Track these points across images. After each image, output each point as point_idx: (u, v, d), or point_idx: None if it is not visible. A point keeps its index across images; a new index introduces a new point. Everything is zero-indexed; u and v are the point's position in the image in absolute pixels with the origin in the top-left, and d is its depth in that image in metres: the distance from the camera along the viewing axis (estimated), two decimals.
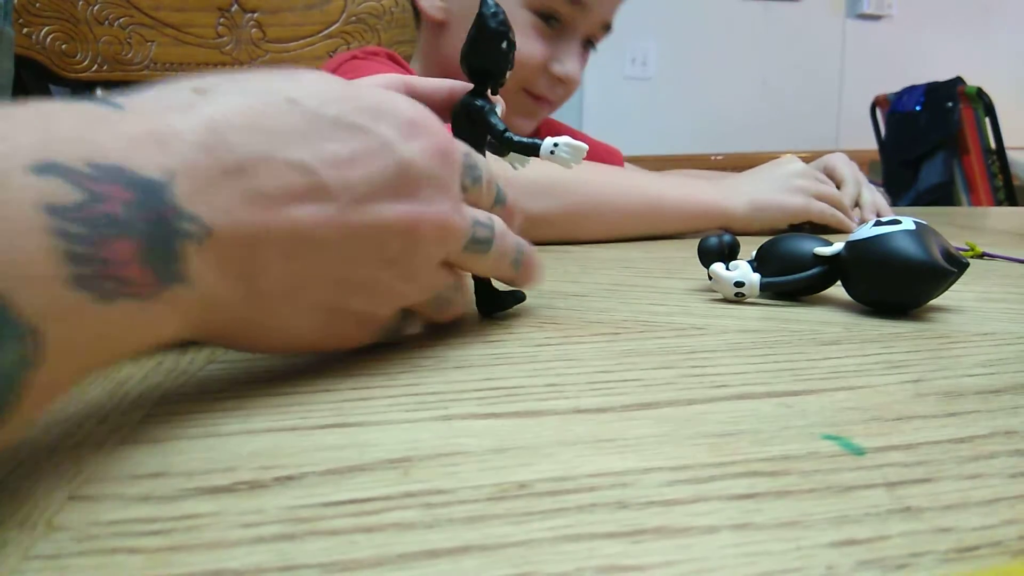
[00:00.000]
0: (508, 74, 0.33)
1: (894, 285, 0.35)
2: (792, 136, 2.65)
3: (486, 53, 0.32)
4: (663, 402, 0.24)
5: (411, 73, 0.68)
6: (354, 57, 0.68)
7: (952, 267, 0.34)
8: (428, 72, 0.72)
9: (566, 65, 0.68)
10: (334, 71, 0.66)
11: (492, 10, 0.31)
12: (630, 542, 0.16)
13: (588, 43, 0.72)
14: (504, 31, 0.32)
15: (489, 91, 0.34)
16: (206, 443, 0.20)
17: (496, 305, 0.34)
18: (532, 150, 0.33)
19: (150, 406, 0.23)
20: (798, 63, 2.72)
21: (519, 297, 0.35)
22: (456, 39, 0.69)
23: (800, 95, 2.72)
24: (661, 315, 0.35)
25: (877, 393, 0.25)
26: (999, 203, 2.10)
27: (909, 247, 0.34)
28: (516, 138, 0.33)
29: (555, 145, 0.32)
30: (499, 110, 0.34)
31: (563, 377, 0.26)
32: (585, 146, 0.32)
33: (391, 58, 0.68)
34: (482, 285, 0.34)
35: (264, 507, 0.17)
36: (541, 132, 0.78)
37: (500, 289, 0.35)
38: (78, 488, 0.18)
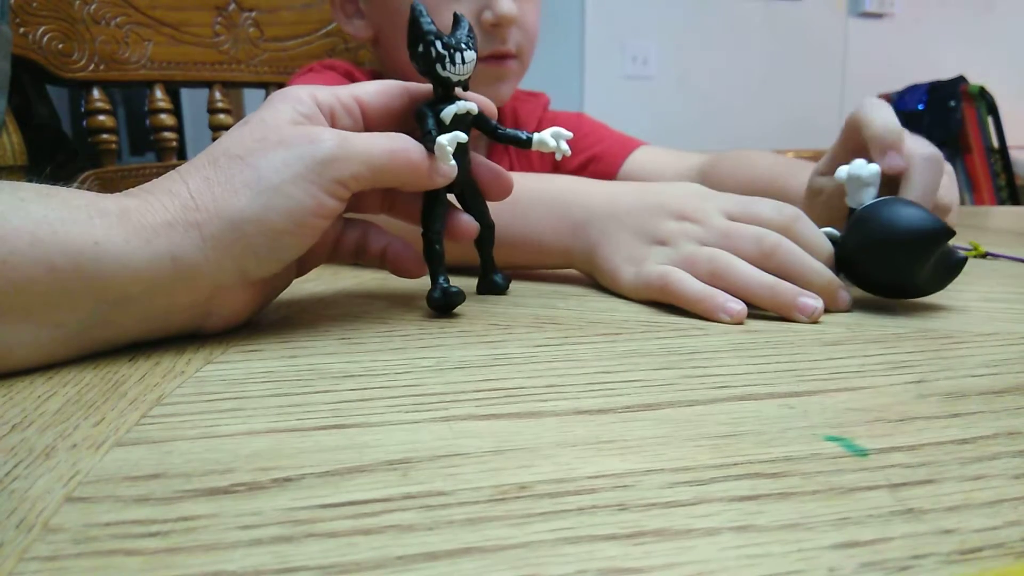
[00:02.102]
0: (452, 72, 0.33)
1: (900, 253, 0.33)
2: (794, 135, 2.64)
3: (412, 58, 0.33)
4: (664, 403, 0.24)
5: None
6: (310, 70, 0.68)
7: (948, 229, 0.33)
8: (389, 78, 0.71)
9: (497, 8, 0.60)
10: (298, 82, 0.65)
11: (412, 15, 0.32)
12: (631, 544, 0.16)
13: None
14: (418, 34, 0.32)
15: (459, 90, 0.34)
16: (204, 444, 0.20)
17: (445, 303, 0.34)
18: (430, 147, 0.33)
19: (148, 407, 0.23)
20: (800, 62, 2.71)
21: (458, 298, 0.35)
22: (390, 46, 0.68)
23: (802, 94, 2.72)
24: (662, 315, 0.35)
25: (880, 394, 0.25)
26: (1002, 202, 2.10)
27: (911, 209, 0.33)
28: (427, 139, 0.33)
29: (435, 146, 0.32)
30: (453, 108, 0.33)
31: (563, 378, 0.26)
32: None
33: (347, 74, 0.67)
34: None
35: (262, 509, 0.17)
36: (542, 125, 0.77)
37: (449, 287, 0.34)
38: (75, 489, 0.18)
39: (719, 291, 0.34)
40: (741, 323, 0.34)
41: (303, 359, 0.28)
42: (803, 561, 0.15)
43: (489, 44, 0.63)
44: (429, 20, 0.33)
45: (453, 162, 0.33)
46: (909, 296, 0.37)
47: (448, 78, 0.33)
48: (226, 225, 0.28)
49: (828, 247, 0.36)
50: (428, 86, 0.34)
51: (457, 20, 0.34)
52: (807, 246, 0.36)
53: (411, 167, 0.31)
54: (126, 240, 0.26)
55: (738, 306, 0.34)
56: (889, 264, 0.34)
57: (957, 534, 0.16)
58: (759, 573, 0.15)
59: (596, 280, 0.41)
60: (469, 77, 0.34)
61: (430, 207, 0.35)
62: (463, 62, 0.33)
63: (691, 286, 0.35)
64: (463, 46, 0.33)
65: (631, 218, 0.39)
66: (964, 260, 0.35)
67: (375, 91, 0.34)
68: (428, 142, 0.33)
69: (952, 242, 0.56)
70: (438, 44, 0.32)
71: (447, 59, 0.32)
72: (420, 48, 0.33)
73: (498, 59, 0.64)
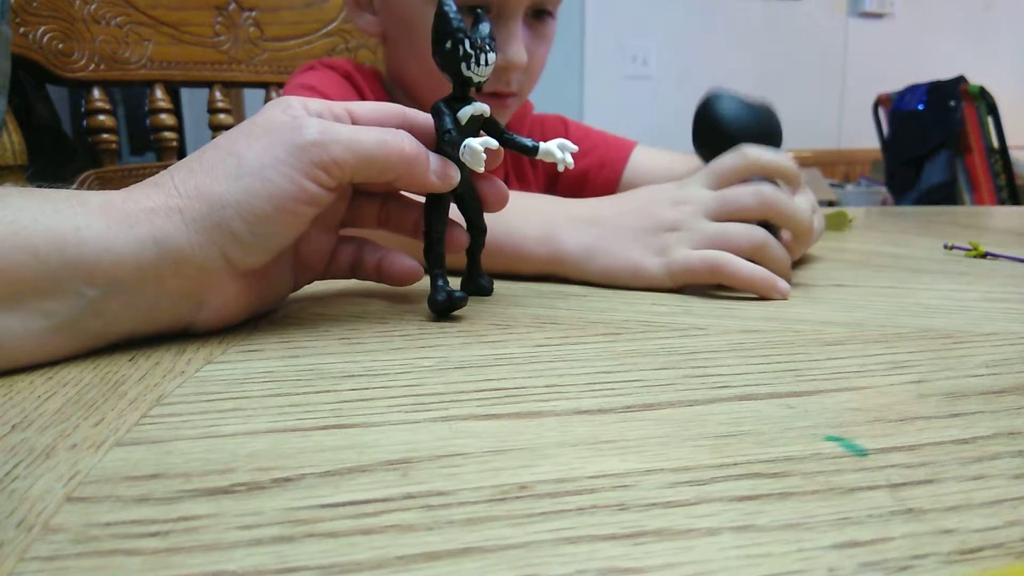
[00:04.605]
0: (475, 73, 0.33)
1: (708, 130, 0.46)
2: (794, 135, 2.65)
3: (437, 53, 0.33)
4: (664, 403, 0.24)
5: (363, 86, 0.67)
6: (311, 68, 0.67)
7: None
8: (391, 80, 0.70)
9: (508, 54, 0.59)
10: (297, 79, 0.65)
11: (440, 10, 0.32)
12: (631, 544, 0.16)
13: (540, 13, 0.63)
14: (448, 31, 0.32)
15: (472, 91, 0.34)
16: (204, 444, 0.20)
17: (447, 306, 0.34)
18: (455, 150, 0.33)
19: (148, 407, 0.23)
20: (800, 62, 2.72)
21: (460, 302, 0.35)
22: (396, 49, 0.68)
23: (802, 94, 2.72)
24: (662, 315, 0.35)
25: (880, 394, 0.25)
26: (1002, 202, 2.10)
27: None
28: (447, 137, 0.33)
29: (464, 147, 0.32)
30: (470, 109, 0.33)
31: (563, 378, 0.26)
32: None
33: (347, 75, 0.66)
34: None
35: (263, 509, 0.17)
36: (536, 133, 0.77)
37: (451, 289, 0.34)
38: (75, 489, 0.18)
39: (769, 271, 0.39)
40: (786, 298, 0.38)
41: (303, 359, 0.28)
42: (803, 561, 0.15)
43: (492, 83, 0.62)
44: (459, 17, 0.32)
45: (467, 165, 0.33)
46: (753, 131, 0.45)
47: (470, 78, 0.33)
48: (207, 209, 0.28)
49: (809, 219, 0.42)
50: (426, 115, 0.34)
51: (478, 18, 0.33)
52: (790, 222, 0.41)
53: (404, 159, 0.31)
54: (108, 226, 0.26)
55: (785, 286, 0.39)
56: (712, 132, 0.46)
57: (957, 534, 0.16)
58: (759, 573, 0.15)
59: (593, 280, 0.41)
60: (487, 79, 0.34)
61: (434, 207, 0.35)
62: (486, 64, 0.33)
63: (745, 266, 0.39)
64: (488, 47, 0.33)
65: (625, 219, 0.41)
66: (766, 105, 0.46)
67: (371, 110, 0.33)
68: (450, 141, 0.32)
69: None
70: (467, 43, 0.32)
71: (473, 59, 0.32)
72: (448, 45, 0.32)
73: (492, 95, 0.64)
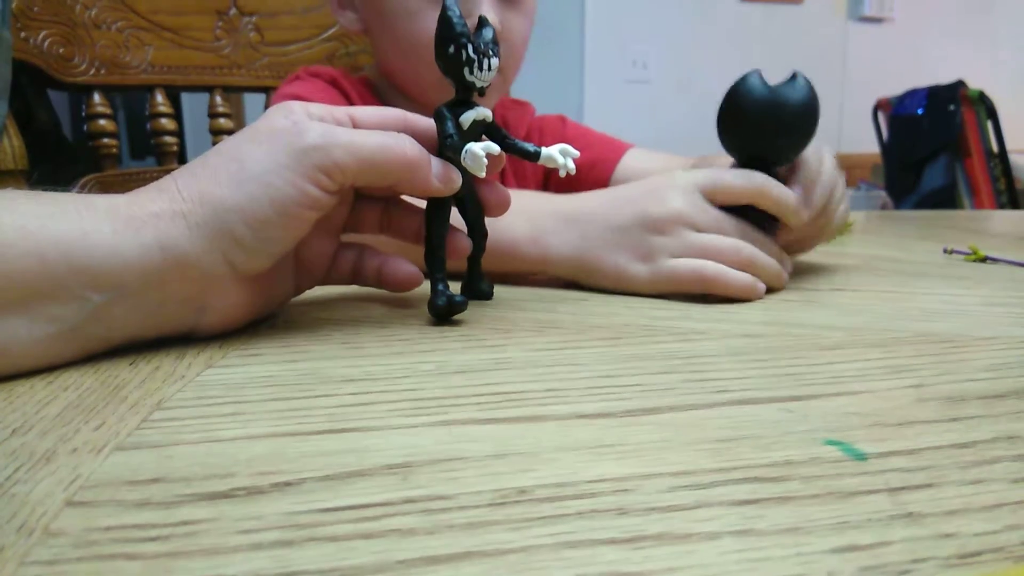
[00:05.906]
0: (477, 78, 0.33)
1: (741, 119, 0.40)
2: None
3: (440, 57, 0.33)
4: (664, 407, 0.24)
5: (350, 90, 0.66)
6: (297, 77, 0.67)
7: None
8: (380, 76, 0.70)
9: (471, 17, 0.59)
10: (283, 90, 0.65)
11: (444, 15, 0.32)
12: (631, 548, 0.16)
13: None
14: (448, 35, 0.32)
15: (476, 95, 0.34)
16: (204, 448, 0.20)
17: (448, 309, 0.34)
18: (457, 155, 0.33)
19: (148, 411, 0.23)
20: (800, 66, 2.71)
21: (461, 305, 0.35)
22: (377, 41, 0.67)
23: None
24: (662, 319, 0.35)
25: (879, 398, 0.25)
26: (1002, 206, 2.10)
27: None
28: (449, 142, 0.33)
29: (465, 152, 0.32)
30: (472, 114, 0.33)
31: (564, 382, 0.26)
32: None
33: (333, 81, 0.66)
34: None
35: (263, 513, 0.17)
36: (535, 133, 0.77)
37: (452, 294, 0.34)
38: (75, 493, 0.18)
39: (753, 277, 0.39)
40: (761, 297, 0.40)
41: (303, 363, 0.28)
42: (803, 565, 0.15)
43: None
44: (462, 21, 0.32)
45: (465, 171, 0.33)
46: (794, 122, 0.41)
47: (473, 83, 0.33)
48: (210, 214, 0.28)
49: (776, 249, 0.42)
50: (427, 119, 0.34)
51: (482, 23, 0.33)
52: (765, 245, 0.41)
53: (406, 163, 0.31)
54: (114, 231, 0.27)
55: (763, 287, 0.40)
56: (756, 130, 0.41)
57: (956, 538, 0.16)
58: None
59: (580, 282, 0.42)
60: (489, 84, 0.34)
61: (435, 212, 0.35)
62: (489, 69, 0.33)
63: (735, 277, 0.39)
64: (491, 52, 0.33)
65: (612, 218, 0.41)
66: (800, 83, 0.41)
67: (372, 114, 0.33)
68: (452, 146, 0.32)
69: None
70: (470, 48, 0.32)
71: (476, 64, 0.32)
72: (451, 49, 0.32)
73: None
